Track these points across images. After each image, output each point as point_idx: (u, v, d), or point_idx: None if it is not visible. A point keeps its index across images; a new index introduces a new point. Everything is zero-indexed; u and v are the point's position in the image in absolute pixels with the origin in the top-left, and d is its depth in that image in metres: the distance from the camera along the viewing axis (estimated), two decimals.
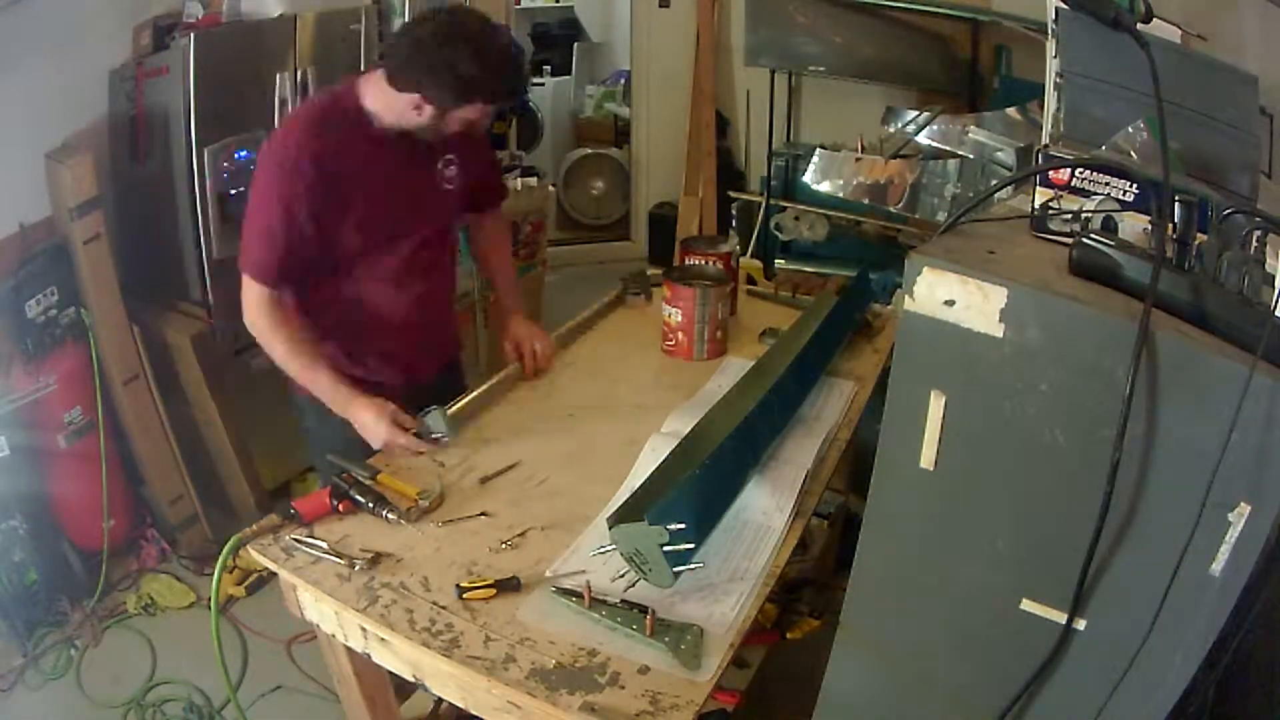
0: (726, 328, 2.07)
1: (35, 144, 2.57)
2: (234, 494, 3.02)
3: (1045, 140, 1.51)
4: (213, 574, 1.69)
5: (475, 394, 1.83)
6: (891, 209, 3.55)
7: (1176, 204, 1.01)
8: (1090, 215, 1.07)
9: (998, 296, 0.95)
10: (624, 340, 2.15)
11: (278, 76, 2.80)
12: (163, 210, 2.77)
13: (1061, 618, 1.00)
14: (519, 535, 1.45)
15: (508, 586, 1.31)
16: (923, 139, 3.55)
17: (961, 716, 1.15)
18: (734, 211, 4.30)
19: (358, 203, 1.71)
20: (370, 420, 1.67)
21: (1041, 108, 1.96)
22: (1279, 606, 1.03)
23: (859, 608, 1.20)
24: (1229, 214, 1.00)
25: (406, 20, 3.33)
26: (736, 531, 1.43)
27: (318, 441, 1.89)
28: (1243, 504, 0.88)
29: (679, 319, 2.01)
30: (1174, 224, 1.01)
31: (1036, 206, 1.10)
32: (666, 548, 1.26)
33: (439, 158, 1.83)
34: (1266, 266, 0.96)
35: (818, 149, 3.72)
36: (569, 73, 6.13)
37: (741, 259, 2.46)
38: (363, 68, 3.12)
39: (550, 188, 5.17)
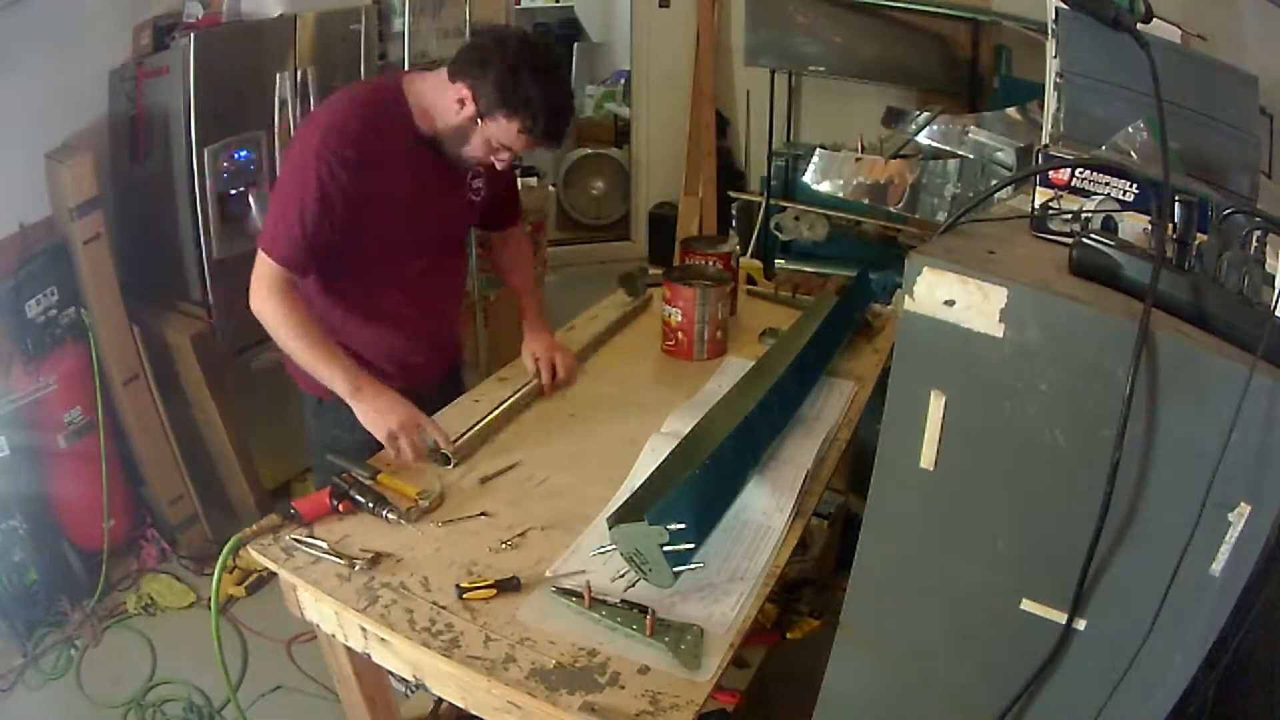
0: (726, 328, 2.07)
1: (35, 144, 2.57)
2: (234, 494, 3.02)
3: (1045, 140, 1.51)
4: (213, 574, 1.69)
5: (492, 414, 1.77)
6: (891, 209, 3.56)
7: (1176, 204, 1.01)
8: (1090, 215, 1.07)
9: (998, 296, 0.95)
10: (624, 340, 2.15)
11: (278, 76, 2.80)
12: (163, 210, 2.77)
13: (1061, 618, 1.00)
14: (519, 535, 1.45)
15: (508, 586, 1.31)
16: (923, 139, 3.56)
17: (961, 716, 1.15)
18: (734, 211, 4.30)
19: (388, 197, 1.68)
20: (385, 406, 1.63)
21: (1041, 108, 1.96)
22: (1279, 606, 1.03)
23: (859, 608, 1.20)
24: (1229, 214, 1.00)
25: (407, 20, 3.34)
26: (736, 531, 1.43)
27: (314, 438, 1.89)
28: (1243, 504, 0.88)
29: (679, 319, 2.01)
30: (1174, 224, 1.01)
31: (1036, 206, 1.10)
32: (666, 548, 1.26)
33: (470, 171, 1.81)
34: (1266, 266, 0.96)
35: (818, 149, 3.72)
36: (569, 73, 6.13)
37: (741, 259, 2.46)
38: (363, 68, 3.13)
39: (550, 188, 5.18)
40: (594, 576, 1.31)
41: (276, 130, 2.83)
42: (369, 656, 1.36)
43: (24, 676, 2.41)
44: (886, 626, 1.19)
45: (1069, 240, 1.03)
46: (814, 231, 3.74)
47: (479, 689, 1.20)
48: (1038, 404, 0.97)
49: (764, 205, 3.91)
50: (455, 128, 1.65)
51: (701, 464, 1.37)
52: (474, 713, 1.27)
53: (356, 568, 1.35)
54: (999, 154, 3.32)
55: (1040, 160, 1.10)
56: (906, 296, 0.99)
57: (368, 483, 1.52)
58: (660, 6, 4.81)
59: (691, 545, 1.30)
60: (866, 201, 3.59)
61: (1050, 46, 1.47)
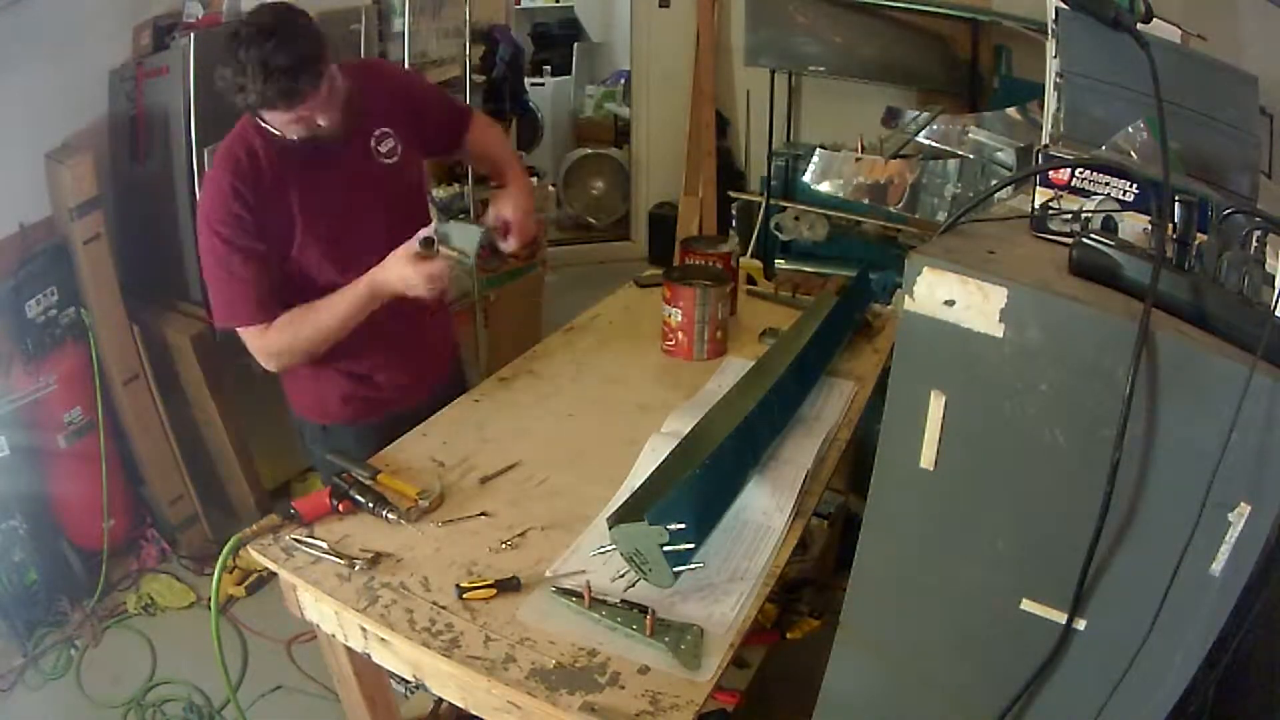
0: (726, 328, 2.07)
1: (35, 144, 2.57)
2: (234, 494, 3.02)
3: (1045, 140, 1.51)
4: (213, 574, 1.70)
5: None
6: (891, 209, 3.55)
7: (1176, 204, 1.01)
8: (1090, 215, 1.07)
9: (998, 296, 0.95)
10: (624, 340, 2.15)
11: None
12: (163, 210, 2.77)
13: (1061, 618, 1.00)
14: (519, 535, 1.45)
15: (508, 586, 1.31)
16: (923, 139, 3.55)
17: (961, 716, 1.15)
18: (734, 211, 4.30)
19: (304, 207, 1.66)
20: (396, 277, 1.63)
21: (1041, 108, 1.96)
22: (1279, 606, 1.03)
23: (859, 608, 1.20)
24: (1229, 214, 1.00)
25: (407, 20, 3.34)
26: (736, 531, 1.43)
27: (320, 461, 1.89)
28: (1243, 504, 0.88)
29: (679, 319, 2.01)
30: (1174, 224, 1.01)
31: (1036, 206, 1.10)
32: (666, 548, 1.26)
33: (368, 137, 1.74)
34: (1266, 266, 0.96)
35: (818, 149, 3.72)
36: (569, 73, 6.13)
37: (741, 259, 2.46)
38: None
39: (550, 188, 5.19)
40: (594, 576, 1.31)
41: None
42: (369, 656, 1.36)
43: (24, 676, 2.41)
44: (886, 626, 1.19)
45: (1069, 240, 1.02)
46: (814, 231, 3.73)
47: (479, 689, 1.21)
48: (1038, 404, 0.97)
49: (764, 205, 3.90)
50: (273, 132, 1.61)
51: (701, 464, 1.37)
52: (474, 713, 1.27)
53: (356, 568, 1.35)
54: (999, 154, 3.32)
55: (1040, 160, 1.10)
56: (906, 296, 0.99)
57: (368, 483, 1.53)
58: (660, 6, 4.81)
59: (691, 545, 1.30)
60: (866, 201, 3.59)
61: (1050, 46, 1.47)
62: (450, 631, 1.25)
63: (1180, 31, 1.57)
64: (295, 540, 1.41)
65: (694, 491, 1.34)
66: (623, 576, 1.30)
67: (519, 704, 1.17)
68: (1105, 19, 1.32)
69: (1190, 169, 1.29)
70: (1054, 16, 1.43)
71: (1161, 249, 0.96)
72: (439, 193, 3.53)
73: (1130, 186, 1.05)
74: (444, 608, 1.29)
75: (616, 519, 1.29)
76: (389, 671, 1.42)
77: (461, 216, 1.67)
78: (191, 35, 2.59)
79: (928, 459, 1.04)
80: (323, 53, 1.55)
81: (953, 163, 3.42)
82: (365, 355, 1.83)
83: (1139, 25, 1.31)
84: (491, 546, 1.42)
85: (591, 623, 1.25)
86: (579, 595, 1.27)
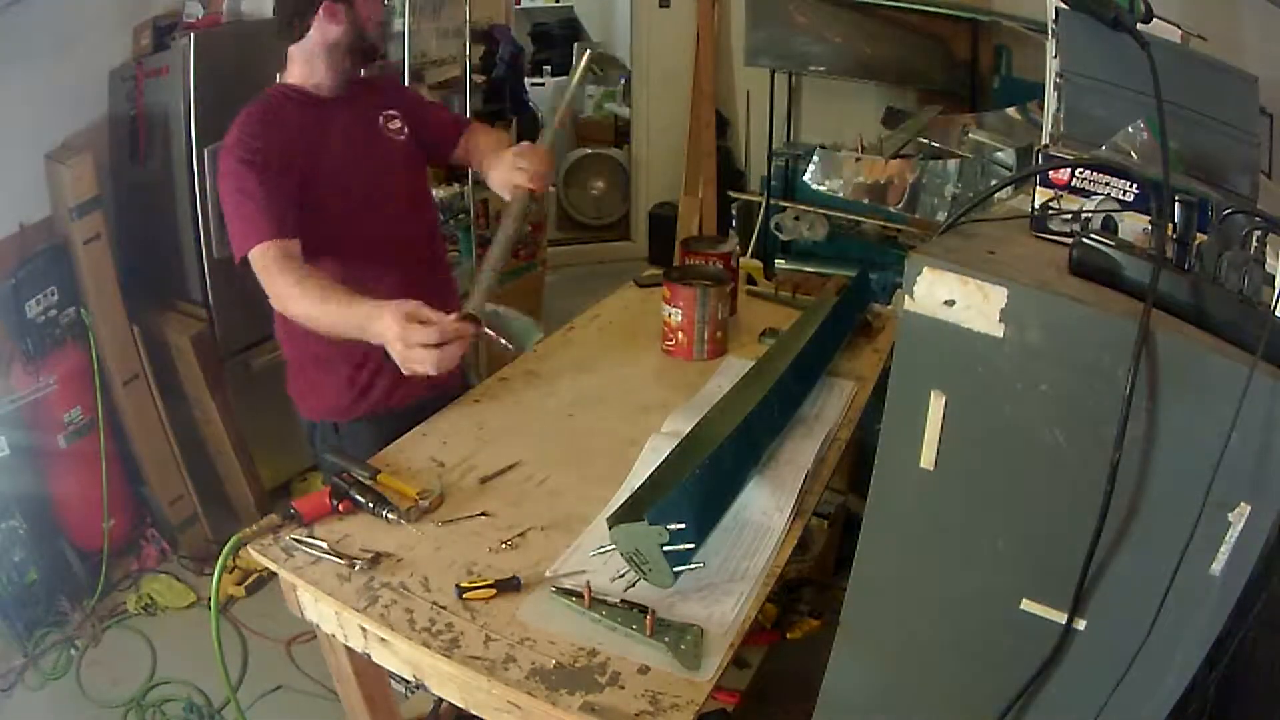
0: (726, 328, 2.07)
1: (35, 144, 2.57)
2: (234, 494, 3.02)
3: (1045, 140, 1.51)
4: (213, 574, 1.69)
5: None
6: (891, 209, 3.55)
7: (1176, 204, 1.01)
8: (1090, 215, 1.07)
9: (998, 296, 0.95)
10: (624, 340, 2.15)
11: (277, 77, 2.79)
12: (163, 210, 2.77)
13: (1061, 618, 1.00)
14: (519, 535, 1.45)
15: (508, 586, 1.31)
16: (923, 139, 3.55)
17: (961, 716, 1.15)
18: (734, 211, 4.30)
19: (318, 159, 1.73)
20: (375, 329, 1.49)
21: (1041, 108, 1.96)
22: (1279, 606, 1.03)
23: (859, 608, 1.20)
24: (1229, 214, 1.00)
25: (407, 20, 3.34)
26: (736, 531, 1.43)
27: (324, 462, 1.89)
28: (1243, 504, 0.88)
29: (679, 319, 2.01)
30: (1174, 224, 1.01)
31: (1036, 206, 1.10)
32: (666, 548, 1.26)
33: (379, 114, 1.88)
34: (1266, 266, 0.96)
35: (818, 149, 3.72)
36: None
37: (741, 259, 2.46)
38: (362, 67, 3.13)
39: (550, 188, 5.18)
40: (594, 576, 1.31)
41: None
42: (369, 656, 1.36)
43: (24, 676, 2.41)
44: (886, 626, 1.19)
45: (1069, 240, 1.03)
46: (814, 231, 3.73)
47: (479, 689, 1.20)
48: (1038, 404, 0.97)
49: (764, 205, 3.90)
50: (318, 56, 1.76)
51: (701, 464, 1.37)
52: (474, 713, 1.27)
53: (356, 568, 1.35)
54: (999, 154, 3.32)
55: (1040, 160, 1.10)
56: (906, 296, 0.99)
57: (368, 483, 1.52)
58: (660, 6, 4.81)
59: (691, 545, 1.29)
60: (866, 201, 3.59)
61: (1050, 46, 1.47)
62: (450, 631, 1.25)
63: (1180, 31, 1.57)
64: (295, 540, 1.40)
65: (694, 491, 1.34)
66: (623, 576, 1.30)
67: (519, 704, 1.17)
68: (1105, 19, 1.32)
69: (1190, 169, 1.29)
70: (1054, 16, 1.43)
71: (1161, 249, 0.96)
72: (439, 193, 3.53)
73: (1130, 186, 1.05)
74: (444, 608, 1.29)
75: (616, 519, 1.29)
76: (389, 671, 1.42)
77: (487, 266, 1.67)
78: (191, 35, 2.59)
79: (928, 459, 1.04)
80: None
81: (953, 163, 3.42)
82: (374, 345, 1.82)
83: (1139, 25, 1.32)
84: (491, 546, 1.42)
85: (591, 623, 1.25)
86: (579, 595, 1.27)
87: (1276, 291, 0.90)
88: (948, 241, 1.06)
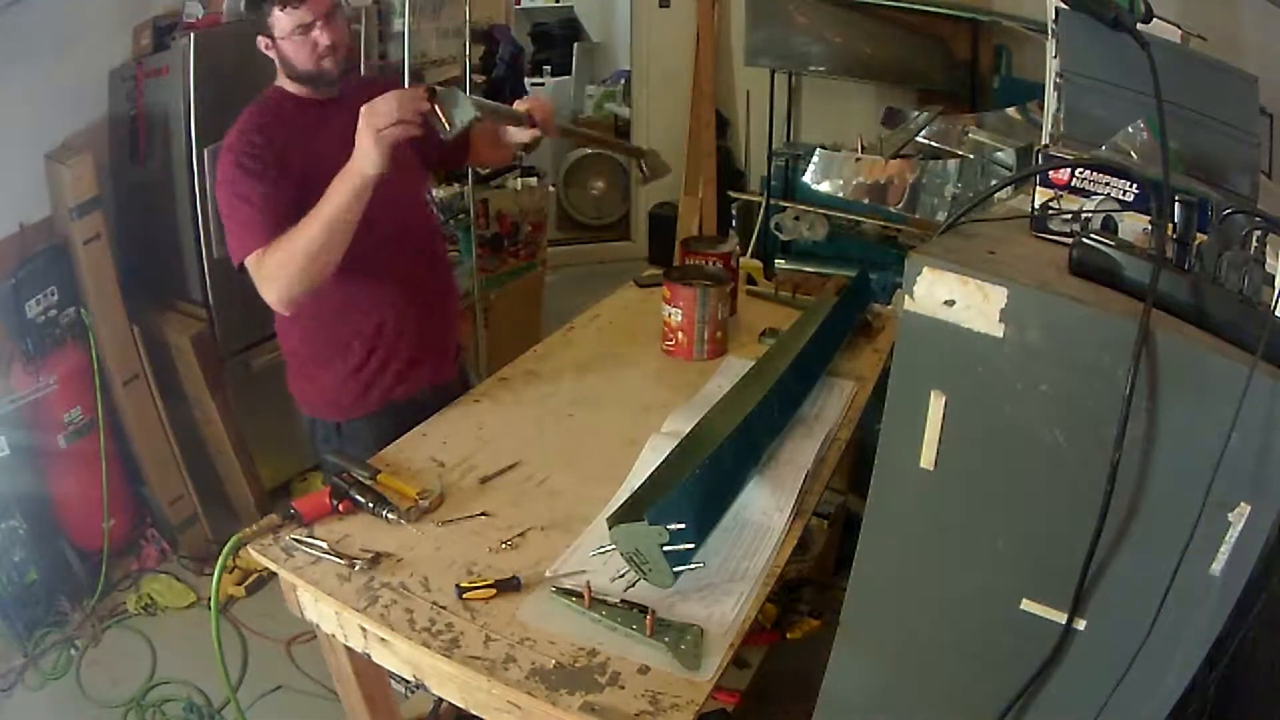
0: (726, 328, 2.07)
1: (35, 144, 2.57)
2: (234, 494, 3.02)
3: (1045, 140, 1.51)
4: (213, 574, 1.69)
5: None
6: (891, 209, 3.55)
7: (1176, 204, 1.01)
8: (1090, 215, 1.07)
9: (998, 296, 0.95)
10: (624, 340, 2.15)
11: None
12: (163, 210, 2.77)
13: (1061, 618, 1.00)
14: (519, 535, 1.45)
15: (508, 586, 1.31)
16: (922, 139, 3.55)
17: (961, 716, 1.15)
18: (734, 211, 4.30)
19: (317, 159, 1.69)
20: (367, 125, 1.55)
21: (1041, 108, 1.96)
22: (1279, 606, 1.03)
23: (859, 608, 1.20)
24: (1229, 214, 1.00)
25: (407, 20, 3.34)
26: (736, 531, 1.43)
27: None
28: (1243, 504, 0.88)
29: (679, 319, 2.01)
30: (1174, 224, 1.01)
31: (1036, 206, 1.10)
32: (666, 548, 1.26)
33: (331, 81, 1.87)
34: (1266, 266, 0.96)
35: (818, 149, 3.72)
36: (569, 73, 6.13)
37: (741, 259, 2.46)
38: (363, 68, 3.13)
39: (550, 188, 5.18)
40: (594, 576, 1.31)
41: None
42: (369, 656, 1.36)
43: (24, 677, 2.41)
44: (886, 626, 1.19)
45: (1069, 240, 1.02)
46: (814, 231, 3.73)
47: (479, 689, 1.20)
48: (1038, 404, 0.97)
49: (764, 205, 3.90)
50: (284, 64, 1.75)
51: (701, 464, 1.37)
52: (474, 713, 1.27)
53: (356, 568, 1.35)
54: (999, 154, 3.32)
55: (1040, 160, 1.10)
56: (906, 296, 0.99)
57: (368, 483, 1.53)
58: (660, 6, 4.81)
59: (691, 545, 1.30)
60: (866, 201, 3.59)
61: (1050, 46, 1.47)
62: (450, 631, 1.25)
63: (1180, 31, 1.57)
64: (295, 540, 1.41)
65: (694, 491, 1.34)
66: (623, 576, 1.30)
67: (519, 704, 1.17)
68: (1105, 19, 1.32)
69: (1190, 169, 1.29)
70: (1054, 16, 1.43)
71: (1161, 249, 0.96)
72: (439, 193, 3.54)
73: (1130, 186, 1.05)
74: (444, 608, 1.29)
75: (616, 519, 1.29)
76: (389, 671, 1.42)
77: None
78: (191, 35, 2.59)
79: (928, 459, 1.04)
80: None
81: (953, 163, 3.42)
82: (374, 336, 1.84)
83: (1139, 25, 1.31)
84: (491, 546, 1.42)
85: (591, 623, 1.25)
86: (579, 595, 1.27)
87: (1276, 291, 0.90)
88: (948, 241, 1.06)
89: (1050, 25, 1.45)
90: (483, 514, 1.50)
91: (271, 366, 2.89)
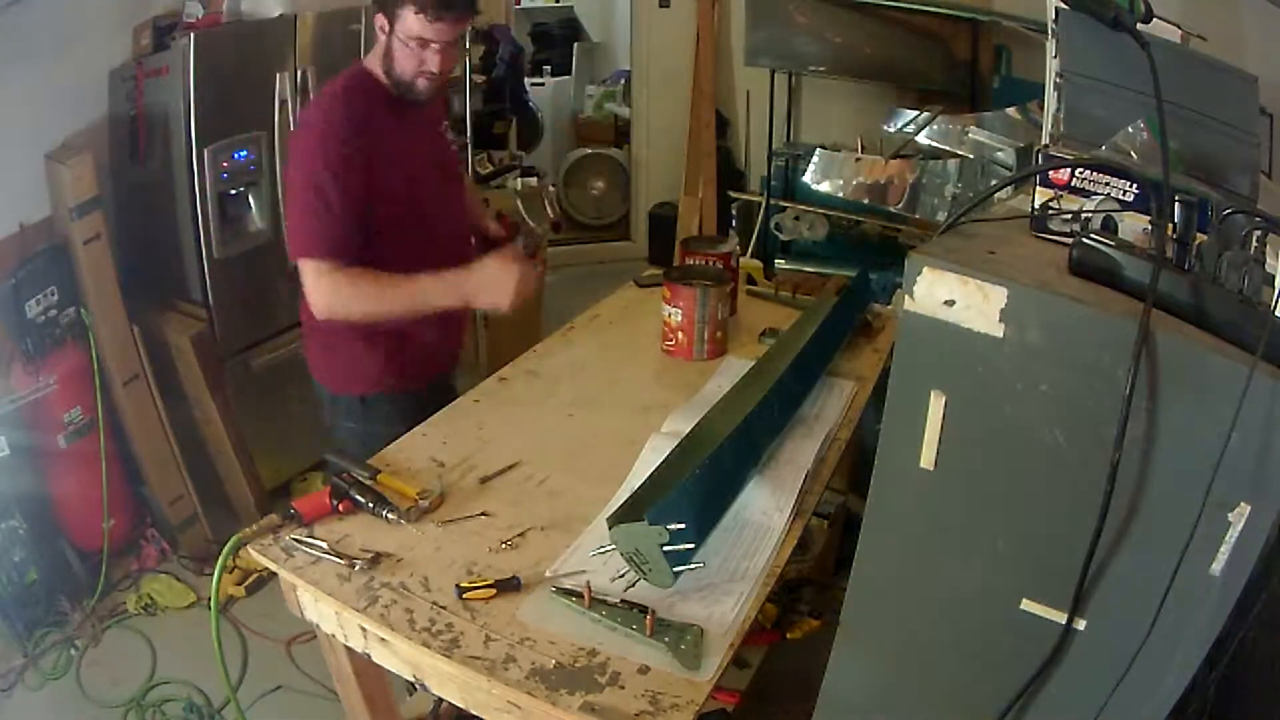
0: (726, 328, 2.07)
1: (35, 144, 2.57)
2: (234, 494, 3.02)
3: (1045, 140, 1.51)
4: (213, 574, 1.69)
5: None
6: (891, 209, 3.56)
7: (1176, 204, 1.01)
8: (1090, 215, 1.07)
9: (998, 296, 0.95)
10: (624, 339, 2.15)
11: (278, 76, 2.80)
12: (163, 210, 2.77)
13: (1061, 618, 1.00)
14: (519, 535, 1.45)
15: (508, 586, 1.31)
16: (923, 139, 3.55)
17: (961, 716, 1.15)
18: (734, 211, 4.30)
19: (387, 157, 1.74)
20: (488, 283, 1.72)
21: (1041, 108, 1.96)
22: (1279, 606, 1.03)
23: (859, 608, 1.20)
24: (1229, 214, 1.00)
25: None
26: (736, 531, 1.43)
27: (350, 437, 1.91)
28: (1243, 504, 0.88)
29: (679, 319, 2.01)
30: (1174, 224, 1.01)
31: (1036, 206, 1.10)
32: (666, 548, 1.26)
33: (439, 122, 1.98)
34: (1266, 266, 0.96)
35: (818, 149, 3.72)
36: (569, 73, 6.13)
37: (741, 259, 2.46)
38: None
39: (550, 188, 5.18)
40: (594, 576, 1.31)
41: (276, 130, 2.83)
42: (369, 656, 1.36)
43: (24, 676, 2.41)
44: (886, 626, 1.19)
45: (1069, 240, 1.03)
46: (814, 231, 3.73)
47: (479, 689, 1.20)
48: (1038, 404, 0.97)
49: (764, 205, 3.91)
50: (386, 54, 1.73)
51: (701, 464, 1.37)
52: (474, 713, 1.27)
53: (356, 568, 1.35)
54: (999, 154, 3.32)
55: (1040, 160, 1.10)
56: (906, 296, 0.99)
57: (368, 483, 1.53)
58: (660, 6, 4.81)
59: (691, 545, 1.30)
60: (866, 201, 3.59)
61: (1050, 46, 1.47)
62: (450, 631, 1.25)
63: (1180, 31, 1.57)
64: (295, 540, 1.41)
65: (694, 491, 1.34)
66: (623, 576, 1.30)
67: (519, 704, 1.17)
68: (1105, 19, 1.32)
69: (1190, 169, 1.29)
70: (1054, 16, 1.43)
71: (1161, 249, 0.96)
72: None
73: (1130, 186, 1.05)
74: (444, 608, 1.29)
75: (616, 519, 1.29)
76: (389, 671, 1.42)
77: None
78: (191, 35, 2.59)
79: (928, 459, 1.04)
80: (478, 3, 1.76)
81: (953, 163, 3.43)
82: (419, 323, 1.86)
83: (1139, 25, 1.31)
84: (491, 546, 1.42)
85: (591, 623, 1.25)
86: (579, 595, 1.27)
87: (1276, 291, 0.90)
88: (948, 241, 1.06)
89: (1050, 25, 1.45)
90: (483, 514, 1.50)
91: (271, 366, 2.90)
